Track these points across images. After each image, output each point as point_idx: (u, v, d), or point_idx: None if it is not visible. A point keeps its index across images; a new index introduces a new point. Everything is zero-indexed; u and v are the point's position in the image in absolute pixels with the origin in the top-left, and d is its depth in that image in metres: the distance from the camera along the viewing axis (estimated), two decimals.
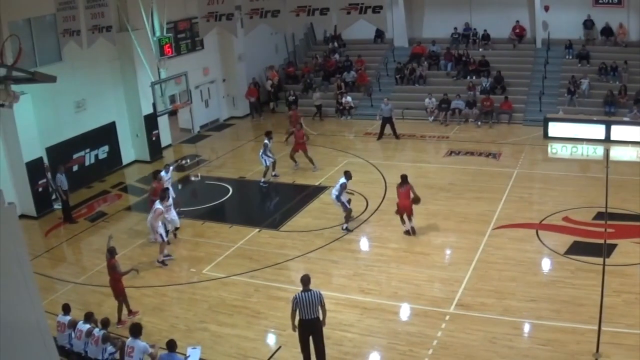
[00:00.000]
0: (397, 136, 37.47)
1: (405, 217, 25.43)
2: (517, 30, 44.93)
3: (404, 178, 25.45)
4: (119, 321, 20.56)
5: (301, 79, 47.84)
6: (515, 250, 23.49)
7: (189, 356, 17.02)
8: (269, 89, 46.97)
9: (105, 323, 17.95)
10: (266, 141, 31.91)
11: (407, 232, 25.43)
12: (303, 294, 16.74)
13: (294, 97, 43.70)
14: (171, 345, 16.35)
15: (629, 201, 26.81)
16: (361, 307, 20.43)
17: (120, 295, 20.75)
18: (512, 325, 18.73)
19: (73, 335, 17.83)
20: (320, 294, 16.89)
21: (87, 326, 17.73)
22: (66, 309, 18.50)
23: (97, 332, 17.56)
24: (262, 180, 32.22)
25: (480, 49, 45.25)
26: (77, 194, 31.36)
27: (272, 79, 46.87)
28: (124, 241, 26.71)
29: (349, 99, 43.48)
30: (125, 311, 20.81)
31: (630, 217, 25.53)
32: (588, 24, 42.79)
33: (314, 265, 23.43)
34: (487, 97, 40.07)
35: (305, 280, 16.93)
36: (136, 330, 16.68)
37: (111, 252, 20.83)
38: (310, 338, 17.08)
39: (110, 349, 17.37)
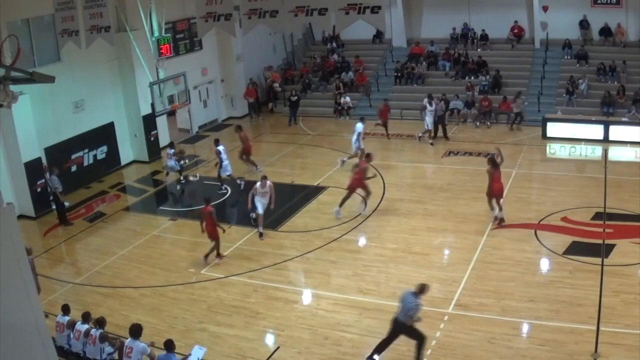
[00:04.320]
0: (446, 137, 37.26)
1: (495, 202, 25.79)
2: (516, 31, 44.98)
3: (493, 161, 25.89)
4: (219, 255, 24.54)
5: (299, 80, 47.85)
6: (513, 250, 23.51)
7: (189, 355, 16.99)
8: (277, 89, 47.12)
9: (101, 322, 17.90)
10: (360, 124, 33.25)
11: (499, 221, 25.72)
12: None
13: (295, 97, 43.57)
14: (169, 346, 16.31)
15: (628, 201, 26.86)
16: (360, 308, 20.43)
17: (215, 238, 24.11)
18: (511, 325, 18.74)
19: (72, 335, 17.83)
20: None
21: (86, 326, 17.73)
22: (65, 310, 18.49)
23: (94, 331, 17.58)
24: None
25: (479, 49, 45.31)
26: (75, 194, 31.40)
27: (275, 80, 46.93)
28: (122, 242, 26.76)
29: (347, 99, 43.46)
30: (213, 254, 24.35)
31: (628, 217, 25.58)
32: (584, 24, 42.83)
33: (312, 265, 23.45)
34: (485, 98, 40.11)
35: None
36: (136, 331, 16.64)
37: (207, 201, 24.57)
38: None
39: (108, 348, 17.38)
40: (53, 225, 29.40)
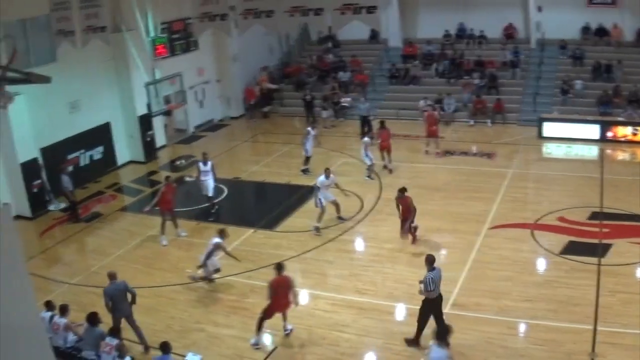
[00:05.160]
0: (371, 136, 37.00)
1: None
2: (510, 31, 44.99)
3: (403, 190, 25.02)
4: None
5: (294, 79, 47.78)
6: (510, 250, 23.53)
7: None
8: (272, 87, 46.89)
9: (64, 310, 18.17)
10: (366, 139, 32.99)
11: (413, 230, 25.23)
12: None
13: (310, 98, 43.25)
14: (165, 348, 16.28)
15: (624, 201, 26.86)
16: (357, 308, 20.41)
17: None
18: (508, 325, 18.74)
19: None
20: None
21: (64, 320, 17.89)
22: (51, 307, 18.52)
23: (58, 319, 17.87)
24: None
25: (476, 48, 45.29)
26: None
27: (260, 83, 46.76)
28: (119, 242, 26.76)
29: (348, 99, 43.31)
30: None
31: (625, 217, 25.59)
32: (585, 30, 42.88)
33: (309, 265, 23.42)
34: (479, 100, 40.18)
35: (431, 260, 17.87)
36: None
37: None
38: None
39: (72, 337, 17.85)
40: (50, 225, 29.38)
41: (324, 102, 42.60)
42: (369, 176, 32.00)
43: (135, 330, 18.87)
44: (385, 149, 32.87)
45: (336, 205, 27.08)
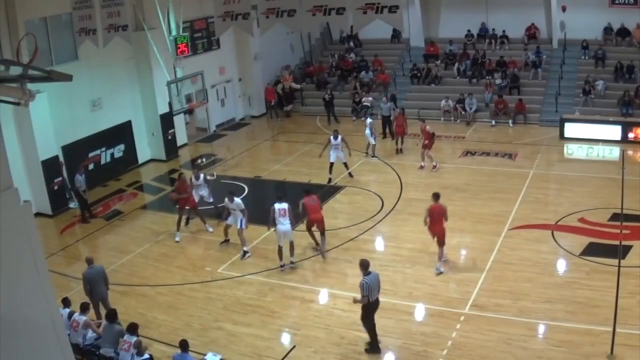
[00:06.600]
0: (392, 136, 37.33)
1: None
2: (532, 31, 44.79)
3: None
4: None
5: (315, 78, 47.82)
6: (530, 251, 23.43)
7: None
8: (296, 87, 46.90)
9: (84, 308, 18.31)
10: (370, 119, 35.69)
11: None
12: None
13: (330, 97, 43.37)
14: (184, 346, 16.35)
15: None
16: None
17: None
18: (527, 326, 18.68)
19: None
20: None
21: (84, 317, 18.04)
22: (68, 304, 18.72)
23: (78, 317, 18.01)
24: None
25: (498, 48, 45.16)
26: (92, 192, 31.40)
27: (284, 82, 46.77)
28: (139, 240, 26.87)
29: (370, 98, 43.30)
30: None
31: None
32: (608, 31, 42.64)
33: (329, 265, 23.42)
34: (500, 100, 40.04)
35: (366, 265, 18.14)
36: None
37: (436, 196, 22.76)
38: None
39: (90, 335, 17.97)
40: (70, 223, 29.55)
41: (387, 100, 42.49)
42: (373, 155, 34.61)
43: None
44: (399, 134, 35.59)
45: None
